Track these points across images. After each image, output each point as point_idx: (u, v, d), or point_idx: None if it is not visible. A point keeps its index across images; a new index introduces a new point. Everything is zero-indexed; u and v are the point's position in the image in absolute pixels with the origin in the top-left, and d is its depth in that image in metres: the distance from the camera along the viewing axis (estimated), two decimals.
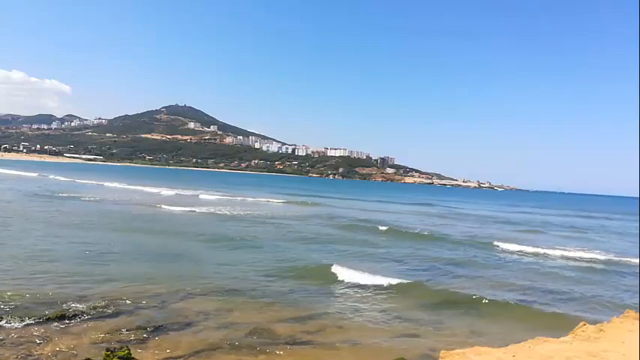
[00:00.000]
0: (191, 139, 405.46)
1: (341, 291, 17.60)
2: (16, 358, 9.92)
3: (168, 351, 10.77)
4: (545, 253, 30.32)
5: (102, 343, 10.82)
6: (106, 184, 77.99)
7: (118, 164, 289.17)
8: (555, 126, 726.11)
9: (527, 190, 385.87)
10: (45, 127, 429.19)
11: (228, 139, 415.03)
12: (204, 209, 45.06)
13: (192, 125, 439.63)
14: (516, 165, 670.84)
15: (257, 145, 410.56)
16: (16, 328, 11.56)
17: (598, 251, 33.02)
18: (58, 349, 10.48)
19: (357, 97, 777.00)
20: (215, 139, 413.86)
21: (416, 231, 38.45)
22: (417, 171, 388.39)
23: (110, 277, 16.71)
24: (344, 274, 19.32)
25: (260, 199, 66.97)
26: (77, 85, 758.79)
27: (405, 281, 18.85)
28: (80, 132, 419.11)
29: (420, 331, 13.35)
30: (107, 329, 11.78)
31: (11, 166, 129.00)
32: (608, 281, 22.80)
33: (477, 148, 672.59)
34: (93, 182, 79.35)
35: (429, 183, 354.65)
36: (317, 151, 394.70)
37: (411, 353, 11.47)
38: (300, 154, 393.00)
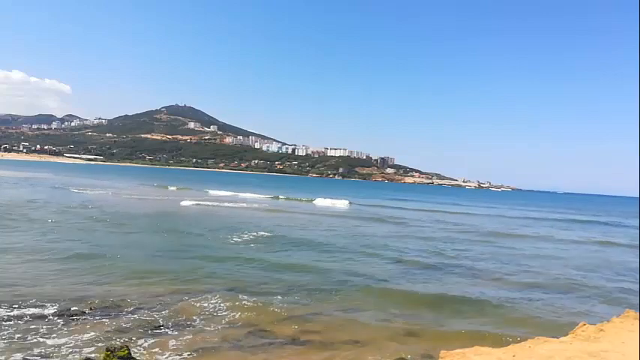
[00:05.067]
0: (191, 139, 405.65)
1: None
2: (16, 356, 9.92)
3: (168, 351, 10.77)
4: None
5: (102, 342, 10.81)
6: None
7: (119, 164, 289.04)
8: (556, 125, 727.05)
9: (526, 190, 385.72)
10: (45, 127, 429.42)
11: (228, 139, 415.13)
12: None
13: (192, 125, 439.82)
14: (517, 165, 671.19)
15: (257, 145, 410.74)
16: (16, 326, 11.56)
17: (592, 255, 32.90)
18: (58, 348, 10.48)
19: (357, 97, 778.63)
20: (215, 139, 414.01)
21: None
22: (417, 171, 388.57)
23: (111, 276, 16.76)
24: None
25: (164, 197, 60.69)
26: (77, 85, 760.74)
27: None
28: (80, 132, 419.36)
29: (420, 331, 13.35)
30: (107, 329, 11.78)
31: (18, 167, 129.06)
32: (608, 282, 22.76)
33: (478, 149, 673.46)
34: None
35: (429, 183, 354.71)
36: (317, 151, 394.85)
37: (411, 353, 11.47)
38: (300, 154, 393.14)
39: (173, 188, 77.87)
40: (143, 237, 26.48)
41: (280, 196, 72.82)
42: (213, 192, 73.67)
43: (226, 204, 53.54)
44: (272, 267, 20.48)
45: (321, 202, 69.80)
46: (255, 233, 30.19)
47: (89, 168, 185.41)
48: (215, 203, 53.02)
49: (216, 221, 36.33)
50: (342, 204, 68.57)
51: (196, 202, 51.46)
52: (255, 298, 15.19)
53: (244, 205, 55.33)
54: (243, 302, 14.76)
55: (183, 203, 50.09)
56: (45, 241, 23.03)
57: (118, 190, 66.50)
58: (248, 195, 72.11)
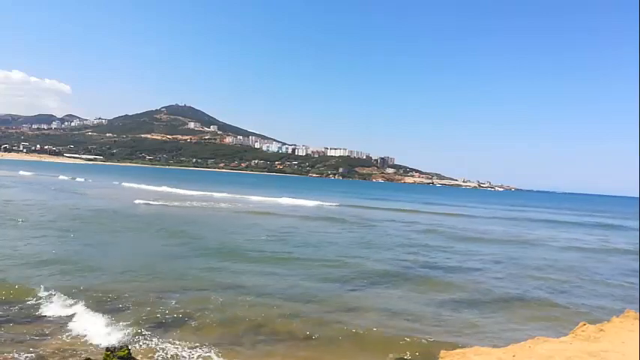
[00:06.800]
0: (191, 139, 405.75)
1: None
2: (17, 355, 9.92)
3: (168, 350, 10.76)
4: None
5: (102, 342, 10.81)
6: None
7: (119, 164, 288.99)
8: (556, 125, 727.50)
9: (526, 190, 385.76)
10: (45, 127, 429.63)
11: (228, 139, 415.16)
12: None
13: (192, 125, 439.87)
14: (517, 165, 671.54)
15: (257, 145, 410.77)
16: (16, 326, 11.57)
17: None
18: (58, 347, 10.48)
19: (357, 97, 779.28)
20: (215, 139, 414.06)
21: None
22: (417, 171, 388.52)
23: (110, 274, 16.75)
24: None
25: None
26: (77, 85, 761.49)
27: None
28: (80, 132, 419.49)
29: (420, 330, 13.33)
30: (107, 328, 11.76)
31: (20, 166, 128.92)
32: (608, 281, 22.75)
33: (477, 149, 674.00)
34: None
35: (429, 183, 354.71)
36: (317, 151, 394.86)
37: (411, 352, 11.47)
38: (300, 154, 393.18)
39: (165, 188, 74.40)
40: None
41: (250, 196, 69.76)
42: (183, 191, 70.44)
43: (176, 203, 50.84)
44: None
45: (286, 201, 66.76)
46: (182, 236, 27.80)
47: (87, 168, 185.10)
48: (168, 203, 50.41)
49: (141, 220, 34.49)
50: (308, 204, 64.73)
51: (148, 202, 49.10)
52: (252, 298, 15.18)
53: (195, 203, 52.17)
54: (242, 301, 14.79)
55: (137, 201, 48.25)
56: None
57: (87, 188, 66.31)
58: (218, 194, 68.54)
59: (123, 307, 13.53)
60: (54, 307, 13.00)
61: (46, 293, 14.09)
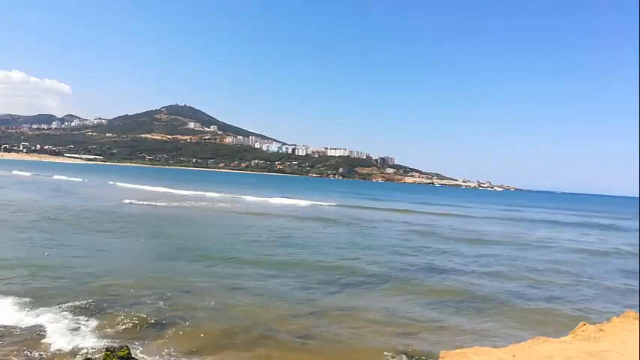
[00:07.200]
0: (191, 139, 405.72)
1: None
2: (16, 356, 9.91)
3: (167, 350, 10.77)
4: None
5: (101, 342, 10.80)
6: None
7: (119, 164, 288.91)
8: (556, 125, 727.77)
9: (526, 190, 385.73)
10: (45, 127, 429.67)
11: (228, 139, 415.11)
12: None
13: (192, 125, 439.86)
14: (517, 165, 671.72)
15: (257, 145, 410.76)
16: (15, 326, 11.55)
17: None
18: (58, 348, 10.47)
19: (357, 97, 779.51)
20: (215, 139, 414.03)
21: None
22: (417, 171, 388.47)
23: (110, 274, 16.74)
24: None
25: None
26: (77, 85, 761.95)
27: None
28: (80, 132, 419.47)
29: (420, 330, 13.33)
30: (107, 328, 11.77)
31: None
32: (607, 282, 22.74)
33: (477, 149, 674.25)
34: None
35: (429, 183, 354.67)
36: (317, 151, 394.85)
37: (411, 352, 11.46)
38: (300, 154, 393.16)
39: (161, 188, 73.07)
40: None
41: (247, 196, 68.70)
42: (178, 191, 69.44)
43: (173, 203, 50.10)
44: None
45: (283, 201, 66.05)
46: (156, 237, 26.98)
47: (87, 168, 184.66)
48: (159, 203, 49.38)
49: (130, 220, 33.46)
50: (306, 204, 64.30)
51: (139, 202, 48.47)
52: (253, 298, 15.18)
53: (193, 203, 51.77)
54: (242, 301, 14.79)
55: (126, 201, 47.67)
56: None
57: (82, 188, 66.35)
58: (214, 194, 67.90)
59: (115, 308, 13.38)
60: (43, 310, 12.80)
61: (33, 295, 13.94)
